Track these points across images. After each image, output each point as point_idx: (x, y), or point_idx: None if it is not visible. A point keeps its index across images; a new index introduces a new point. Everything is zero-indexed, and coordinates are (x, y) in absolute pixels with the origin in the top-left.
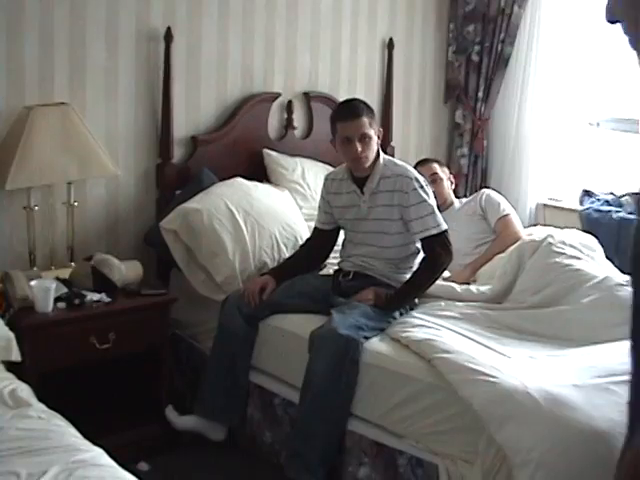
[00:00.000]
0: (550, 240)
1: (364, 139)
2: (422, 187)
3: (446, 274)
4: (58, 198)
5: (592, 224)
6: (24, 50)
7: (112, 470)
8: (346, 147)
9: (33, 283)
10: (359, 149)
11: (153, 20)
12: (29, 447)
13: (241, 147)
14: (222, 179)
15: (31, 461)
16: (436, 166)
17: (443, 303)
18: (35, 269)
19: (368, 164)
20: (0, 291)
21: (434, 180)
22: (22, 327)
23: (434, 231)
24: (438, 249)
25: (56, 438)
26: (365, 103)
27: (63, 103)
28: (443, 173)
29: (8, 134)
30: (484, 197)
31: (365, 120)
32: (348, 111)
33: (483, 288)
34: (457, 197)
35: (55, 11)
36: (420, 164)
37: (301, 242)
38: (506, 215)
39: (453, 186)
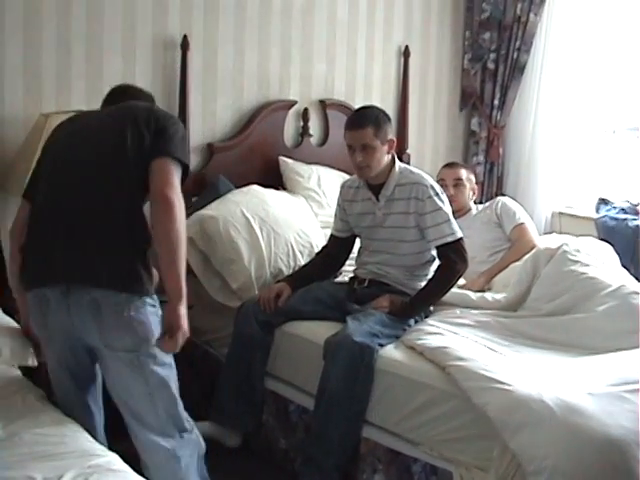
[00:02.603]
0: (565, 248)
1: (365, 149)
2: (437, 195)
3: (461, 282)
4: None
5: (608, 232)
6: (42, 58)
7: (127, 475)
8: (350, 155)
9: None
10: (359, 159)
11: (170, 28)
12: (44, 452)
13: (257, 154)
14: (238, 186)
15: (46, 466)
16: (462, 172)
17: (458, 311)
18: None
19: (372, 173)
20: None
21: (456, 185)
22: None
23: (450, 239)
24: (453, 256)
25: (71, 443)
26: (378, 112)
27: (80, 111)
28: (467, 181)
29: (25, 141)
30: (500, 205)
31: (368, 131)
32: (352, 120)
33: (498, 296)
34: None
35: (72, 19)
36: (447, 166)
37: (317, 249)
38: (521, 223)
39: (474, 197)
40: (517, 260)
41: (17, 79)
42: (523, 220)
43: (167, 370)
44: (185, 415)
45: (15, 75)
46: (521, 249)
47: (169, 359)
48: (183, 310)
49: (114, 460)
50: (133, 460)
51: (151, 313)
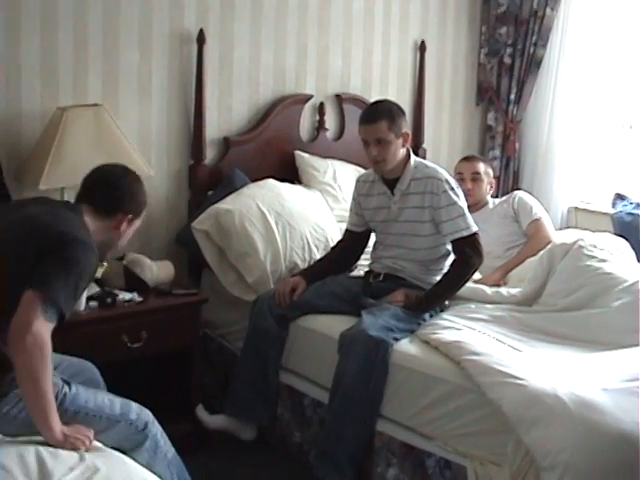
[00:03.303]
0: (581, 243)
1: (380, 143)
2: (453, 189)
3: (476, 276)
4: None
5: (624, 227)
6: (58, 52)
7: (138, 469)
8: (365, 149)
9: None
10: (374, 153)
11: (186, 22)
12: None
13: (273, 148)
14: (254, 180)
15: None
16: (480, 165)
17: (473, 305)
18: None
19: (388, 167)
20: None
21: (474, 179)
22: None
23: (465, 233)
24: (469, 251)
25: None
26: (392, 105)
27: (97, 104)
28: (485, 175)
29: (42, 135)
30: (516, 200)
31: (382, 124)
32: (366, 115)
33: (513, 291)
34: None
35: (89, 13)
36: (465, 160)
37: (332, 243)
38: (538, 218)
39: (491, 191)
40: (533, 255)
41: (34, 73)
42: (540, 215)
43: None
44: None
45: (32, 69)
46: (537, 244)
47: None
48: (52, 433)
49: None
50: None
51: None
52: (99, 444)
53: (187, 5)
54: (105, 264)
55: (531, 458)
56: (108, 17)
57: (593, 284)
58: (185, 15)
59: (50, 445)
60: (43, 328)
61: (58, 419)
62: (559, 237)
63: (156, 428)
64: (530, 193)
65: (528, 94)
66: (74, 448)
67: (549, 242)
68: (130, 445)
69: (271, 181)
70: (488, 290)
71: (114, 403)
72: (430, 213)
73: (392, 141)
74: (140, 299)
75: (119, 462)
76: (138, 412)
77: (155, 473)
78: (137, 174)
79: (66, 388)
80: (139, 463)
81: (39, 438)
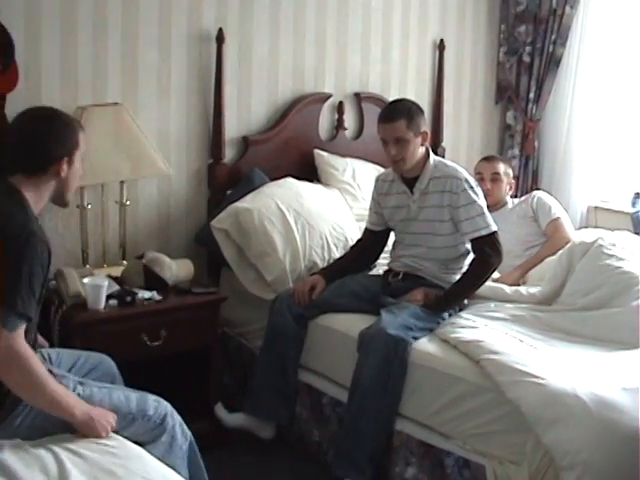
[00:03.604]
0: (600, 242)
1: (399, 142)
2: (472, 188)
3: (495, 275)
4: (111, 197)
5: None
6: (78, 51)
7: (157, 465)
8: (384, 148)
9: (86, 280)
10: (393, 152)
11: (205, 21)
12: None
13: (292, 147)
14: (273, 179)
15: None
16: (500, 166)
17: (492, 304)
18: (88, 267)
19: (407, 166)
20: (53, 288)
21: (493, 179)
22: (74, 324)
23: (484, 232)
24: (488, 250)
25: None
26: (410, 104)
27: (116, 103)
28: (505, 175)
29: None
30: (535, 199)
31: (401, 123)
32: (385, 114)
33: (533, 290)
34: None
35: (108, 12)
36: (485, 160)
37: (351, 242)
38: (557, 218)
39: (511, 192)
40: (552, 255)
41: (54, 73)
42: (559, 215)
43: None
44: None
45: (52, 69)
46: (556, 244)
47: None
48: (75, 419)
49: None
50: None
51: None
52: (116, 436)
53: (206, 4)
54: (125, 262)
55: (550, 457)
56: (127, 16)
57: (612, 283)
58: (204, 14)
59: (71, 444)
60: (9, 340)
61: (75, 403)
62: (578, 236)
63: (174, 420)
64: (549, 192)
65: (547, 93)
66: (97, 435)
67: (568, 242)
68: (147, 438)
69: (290, 180)
70: (507, 289)
71: (130, 399)
72: (449, 212)
73: (411, 140)
74: (159, 298)
75: (135, 458)
76: (156, 405)
77: (169, 465)
78: (48, 110)
79: (79, 389)
80: (154, 456)
81: (59, 440)
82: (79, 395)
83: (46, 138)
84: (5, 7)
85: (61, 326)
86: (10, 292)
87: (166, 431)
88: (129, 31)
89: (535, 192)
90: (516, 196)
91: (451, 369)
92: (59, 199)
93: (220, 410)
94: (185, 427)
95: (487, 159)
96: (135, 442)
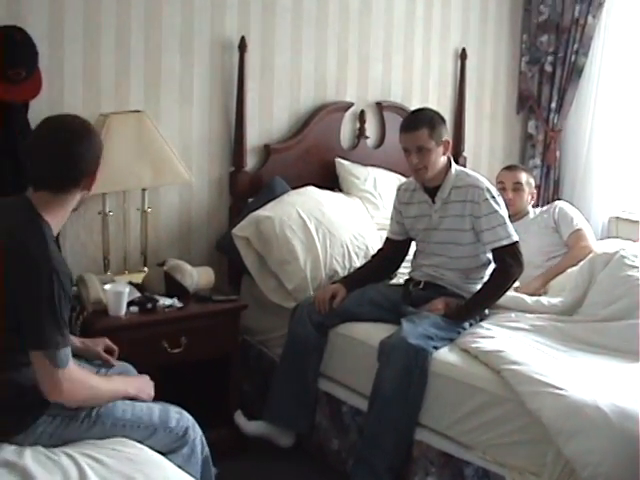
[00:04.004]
0: (622, 253)
1: (421, 151)
2: (494, 197)
3: (516, 285)
4: (132, 204)
5: None
6: (101, 59)
7: (176, 473)
8: (406, 158)
9: (107, 287)
10: (415, 161)
11: (228, 30)
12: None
13: (313, 156)
14: (294, 187)
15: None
16: (522, 175)
17: (513, 314)
18: (109, 273)
19: (429, 175)
20: (74, 294)
21: (515, 189)
22: (95, 330)
23: (505, 242)
24: (509, 260)
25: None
26: (432, 113)
27: (138, 111)
28: (527, 185)
29: None
30: (557, 210)
31: (423, 132)
32: (406, 123)
33: (554, 300)
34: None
35: (131, 20)
36: (507, 169)
37: (372, 251)
38: (579, 229)
39: (532, 202)
40: (574, 265)
41: (77, 80)
42: (581, 226)
43: None
44: None
45: (75, 76)
46: (578, 254)
47: None
48: (129, 394)
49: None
50: None
51: None
52: (136, 443)
53: (229, 12)
54: (146, 269)
55: (571, 469)
56: (150, 24)
57: (634, 294)
58: (227, 22)
59: (91, 450)
60: (65, 375)
61: (123, 384)
62: (600, 247)
63: (195, 433)
64: (570, 202)
65: (569, 103)
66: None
67: (590, 252)
68: (167, 449)
69: (311, 188)
70: (529, 299)
71: (153, 411)
72: (471, 221)
73: (433, 149)
74: (180, 305)
75: (154, 465)
76: (178, 418)
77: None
78: (73, 122)
79: None
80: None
81: (79, 446)
82: (101, 407)
83: (80, 155)
84: (29, 14)
85: (82, 332)
86: (50, 335)
87: (187, 444)
88: (152, 39)
89: (557, 202)
90: (537, 206)
91: (471, 379)
92: (78, 206)
93: (240, 418)
94: (204, 441)
95: (509, 168)
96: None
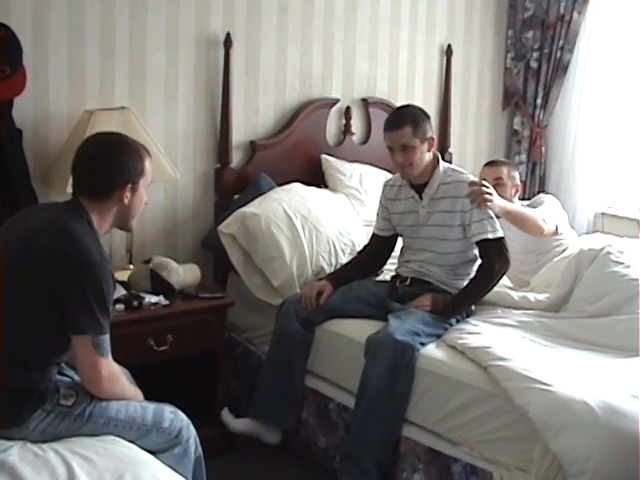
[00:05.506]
0: (608, 249)
1: (405, 149)
2: None
3: (505, 281)
4: None
5: None
6: (86, 55)
7: (166, 472)
8: (391, 156)
9: None
10: (400, 159)
11: (213, 26)
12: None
13: (299, 152)
14: (280, 184)
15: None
16: (503, 170)
17: (500, 310)
18: None
19: (415, 172)
20: None
21: (497, 184)
22: None
23: (490, 235)
24: (493, 255)
25: (110, 439)
26: (416, 110)
27: (124, 107)
28: (509, 179)
29: (70, 137)
30: (539, 201)
31: (406, 130)
32: (390, 121)
33: (540, 296)
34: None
35: (116, 17)
36: (487, 165)
37: (358, 248)
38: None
39: (517, 195)
40: (525, 220)
41: (61, 76)
42: (550, 213)
43: None
44: None
45: (59, 72)
46: (534, 218)
47: None
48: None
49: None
50: None
51: None
52: (126, 442)
53: (214, 9)
54: (132, 267)
55: (558, 464)
56: (135, 21)
57: (620, 290)
58: (212, 19)
59: (80, 448)
60: (106, 365)
61: (132, 393)
62: (586, 242)
63: (189, 433)
64: (556, 198)
65: (554, 99)
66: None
67: (542, 232)
68: (159, 449)
69: (297, 185)
70: (515, 295)
71: (147, 411)
72: (460, 217)
73: (417, 146)
74: (166, 302)
75: (144, 463)
76: (172, 418)
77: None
78: (115, 136)
79: (96, 399)
80: (164, 463)
81: (68, 444)
82: (94, 407)
83: (110, 165)
84: (13, 12)
85: None
86: (96, 322)
87: (180, 444)
88: (137, 35)
89: (540, 195)
90: (524, 199)
91: (458, 375)
92: (122, 224)
93: (226, 415)
94: (198, 441)
95: (489, 164)
96: (147, 450)
